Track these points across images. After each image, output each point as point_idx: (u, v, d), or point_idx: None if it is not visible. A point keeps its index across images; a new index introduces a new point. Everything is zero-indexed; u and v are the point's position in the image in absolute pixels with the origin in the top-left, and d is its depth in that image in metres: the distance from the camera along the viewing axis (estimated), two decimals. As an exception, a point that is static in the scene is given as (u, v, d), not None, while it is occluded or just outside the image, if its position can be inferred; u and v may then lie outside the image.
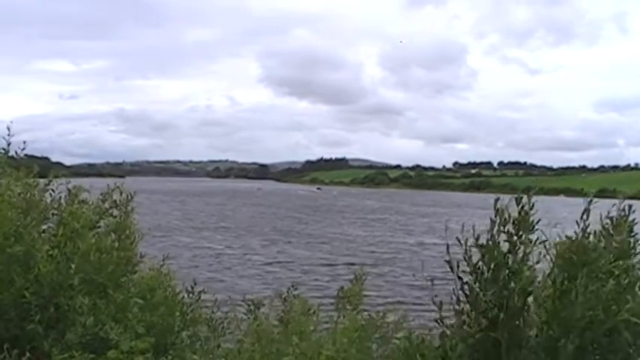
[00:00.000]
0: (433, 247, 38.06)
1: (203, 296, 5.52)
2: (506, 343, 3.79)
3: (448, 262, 4.00)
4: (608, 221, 3.94)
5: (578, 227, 3.92)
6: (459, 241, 3.98)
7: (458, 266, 4.00)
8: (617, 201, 3.99)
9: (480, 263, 3.94)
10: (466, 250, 3.97)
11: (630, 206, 3.98)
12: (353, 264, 26.34)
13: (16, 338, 4.71)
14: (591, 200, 3.95)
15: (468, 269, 3.99)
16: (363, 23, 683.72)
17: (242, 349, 4.70)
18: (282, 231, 48.16)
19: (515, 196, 3.98)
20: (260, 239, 41.82)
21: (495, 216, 3.96)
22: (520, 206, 3.94)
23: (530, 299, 3.89)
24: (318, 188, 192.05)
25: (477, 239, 3.95)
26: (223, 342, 5.24)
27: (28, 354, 4.46)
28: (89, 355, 4.48)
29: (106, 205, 5.41)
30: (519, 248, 3.93)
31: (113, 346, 4.47)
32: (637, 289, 3.85)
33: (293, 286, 5.36)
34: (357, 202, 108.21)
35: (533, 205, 3.96)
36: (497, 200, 3.99)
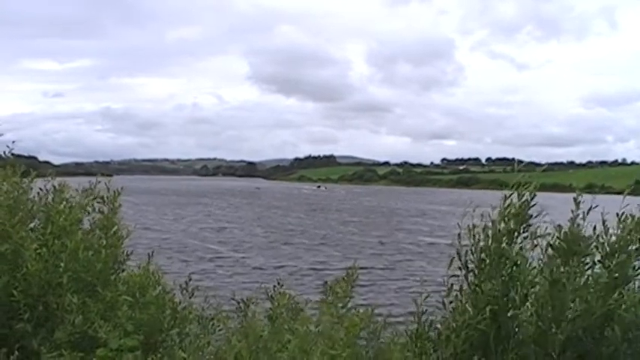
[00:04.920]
0: (431, 247, 38.32)
1: (196, 296, 5.51)
2: (494, 334, 3.82)
3: (458, 252, 4.04)
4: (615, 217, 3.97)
5: (571, 218, 3.97)
6: (469, 231, 4.02)
7: (466, 255, 4.03)
8: (603, 196, 4.03)
9: (485, 254, 3.97)
10: (473, 239, 4.01)
11: None
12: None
13: (4, 337, 4.70)
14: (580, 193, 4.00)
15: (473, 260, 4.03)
16: (350, 20, 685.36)
17: (230, 346, 4.70)
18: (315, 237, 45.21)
19: (517, 191, 4.03)
20: (289, 244, 39.84)
21: (503, 209, 4.00)
22: (521, 200, 3.99)
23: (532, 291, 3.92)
24: (318, 187, 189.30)
25: (484, 230, 3.99)
26: (213, 339, 5.24)
27: (16, 352, 4.46)
28: (78, 354, 4.48)
29: (94, 202, 5.40)
30: (518, 240, 3.98)
31: (102, 344, 4.47)
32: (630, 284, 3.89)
33: (279, 284, 5.35)
34: (379, 202, 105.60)
35: (533, 198, 4.03)
36: (506, 196, 4.04)
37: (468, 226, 4.02)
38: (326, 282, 5.04)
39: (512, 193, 4.04)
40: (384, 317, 4.89)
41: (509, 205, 4.02)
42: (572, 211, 3.97)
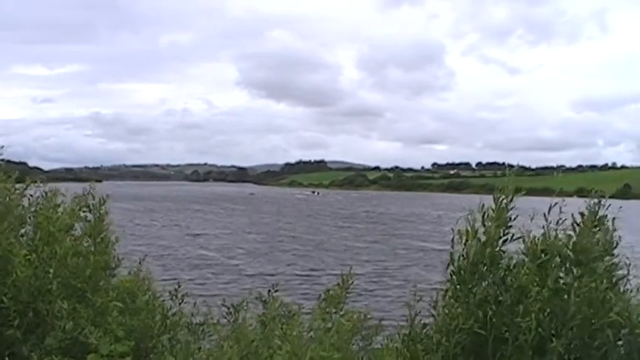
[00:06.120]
0: (424, 252, 38.25)
1: (187, 302, 5.50)
2: (493, 340, 3.82)
3: (451, 256, 4.04)
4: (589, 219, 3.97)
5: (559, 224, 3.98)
6: (460, 237, 4.02)
7: (458, 259, 4.03)
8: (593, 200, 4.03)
9: (476, 258, 3.97)
10: (465, 244, 4.01)
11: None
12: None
13: (-6, 344, 4.69)
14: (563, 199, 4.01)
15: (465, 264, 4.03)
16: (340, 24, 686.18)
17: (221, 352, 4.69)
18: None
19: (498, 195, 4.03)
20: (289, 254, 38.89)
21: (483, 215, 4.01)
22: (498, 204, 4.00)
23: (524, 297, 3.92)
24: (313, 192, 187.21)
25: (475, 234, 4.00)
26: (204, 345, 5.23)
27: (7, 359, 4.44)
28: (69, 360, 4.47)
29: (82, 209, 5.40)
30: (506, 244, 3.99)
31: (93, 350, 4.46)
32: (621, 287, 3.90)
33: (274, 289, 5.34)
34: (373, 207, 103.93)
35: (511, 201, 4.03)
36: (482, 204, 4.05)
37: (459, 230, 4.03)
38: (328, 290, 5.04)
39: (500, 198, 4.04)
40: (377, 322, 4.90)
41: (494, 210, 4.02)
42: (583, 221, 3.97)
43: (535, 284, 3.89)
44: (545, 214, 3.99)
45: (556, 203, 3.96)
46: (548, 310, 3.81)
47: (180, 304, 5.42)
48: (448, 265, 4.05)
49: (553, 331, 3.76)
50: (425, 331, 4.07)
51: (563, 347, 3.68)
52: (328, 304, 4.88)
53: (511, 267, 3.97)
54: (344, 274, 5.09)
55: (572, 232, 3.96)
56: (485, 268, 3.96)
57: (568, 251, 3.91)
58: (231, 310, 5.19)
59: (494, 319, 3.85)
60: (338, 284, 5.02)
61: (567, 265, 3.92)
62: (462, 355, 3.86)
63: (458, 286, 4.02)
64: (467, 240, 4.00)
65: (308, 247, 41.63)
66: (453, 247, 4.06)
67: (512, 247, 4.03)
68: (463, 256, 4.02)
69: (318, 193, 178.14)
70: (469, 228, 4.01)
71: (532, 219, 4.06)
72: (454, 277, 4.04)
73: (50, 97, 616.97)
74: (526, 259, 3.96)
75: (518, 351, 3.79)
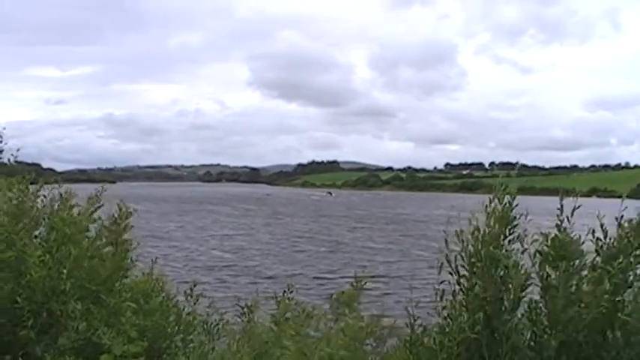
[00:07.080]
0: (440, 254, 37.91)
1: (201, 303, 5.51)
2: (487, 339, 3.81)
3: (446, 256, 4.03)
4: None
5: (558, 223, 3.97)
6: (457, 236, 4.01)
7: (456, 260, 4.02)
8: (606, 200, 4.02)
9: (475, 258, 3.96)
10: (463, 244, 4.00)
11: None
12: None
13: (8, 344, 4.71)
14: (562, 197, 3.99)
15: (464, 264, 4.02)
16: (351, 24, 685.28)
17: (233, 352, 4.71)
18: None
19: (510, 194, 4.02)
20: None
21: (488, 214, 4.00)
22: (502, 203, 3.99)
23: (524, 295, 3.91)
24: (329, 193, 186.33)
25: (473, 234, 3.98)
26: (217, 345, 5.24)
27: (20, 359, 4.47)
28: (82, 360, 4.49)
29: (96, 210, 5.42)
30: (506, 243, 3.98)
31: (106, 351, 4.48)
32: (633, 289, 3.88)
33: (289, 289, 5.35)
34: (390, 208, 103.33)
35: (514, 199, 4.01)
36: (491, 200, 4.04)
37: (456, 231, 4.02)
38: (340, 292, 5.04)
39: (495, 197, 4.03)
40: (390, 324, 4.88)
41: (494, 209, 4.01)
42: (558, 216, 3.97)
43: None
44: (558, 215, 3.98)
45: (579, 206, 3.95)
46: (541, 307, 3.82)
47: (194, 304, 5.44)
48: (441, 265, 4.04)
49: (547, 329, 3.76)
50: (426, 333, 4.05)
51: (557, 342, 3.67)
52: (339, 305, 4.89)
53: (510, 266, 3.95)
54: (357, 274, 5.09)
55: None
56: (484, 267, 3.95)
57: (548, 248, 3.91)
58: (245, 310, 5.21)
59: (493, 319, 3.85)
60: (352, 285, 5.02)
61: (552, 262, 3.91)
62: (466, 354, 3.85)
63: (458, 286, 4.02)
64: (463, 240, 4.00)
65: (323, 248, 41.62)
66: (447, 246, 4.05)
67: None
68: (461, 256, 4.01)
69: (331, 194, 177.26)
70: (469, 227, 4.00)
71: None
72: (453, 277, 4.03)
73: (63, 98, 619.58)
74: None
75: (515, 349, 3.79)
